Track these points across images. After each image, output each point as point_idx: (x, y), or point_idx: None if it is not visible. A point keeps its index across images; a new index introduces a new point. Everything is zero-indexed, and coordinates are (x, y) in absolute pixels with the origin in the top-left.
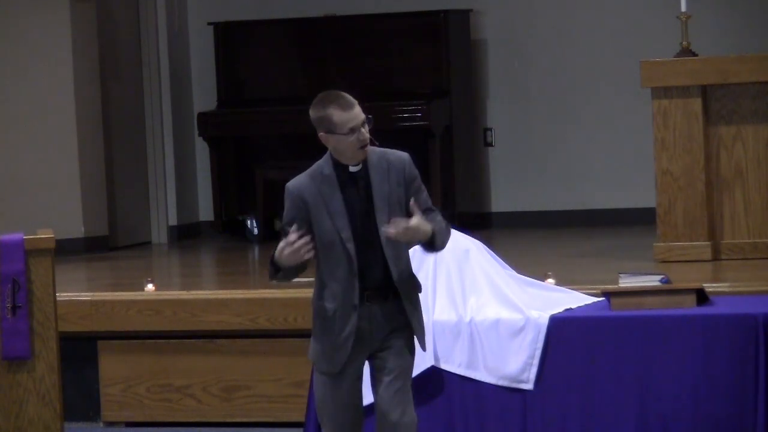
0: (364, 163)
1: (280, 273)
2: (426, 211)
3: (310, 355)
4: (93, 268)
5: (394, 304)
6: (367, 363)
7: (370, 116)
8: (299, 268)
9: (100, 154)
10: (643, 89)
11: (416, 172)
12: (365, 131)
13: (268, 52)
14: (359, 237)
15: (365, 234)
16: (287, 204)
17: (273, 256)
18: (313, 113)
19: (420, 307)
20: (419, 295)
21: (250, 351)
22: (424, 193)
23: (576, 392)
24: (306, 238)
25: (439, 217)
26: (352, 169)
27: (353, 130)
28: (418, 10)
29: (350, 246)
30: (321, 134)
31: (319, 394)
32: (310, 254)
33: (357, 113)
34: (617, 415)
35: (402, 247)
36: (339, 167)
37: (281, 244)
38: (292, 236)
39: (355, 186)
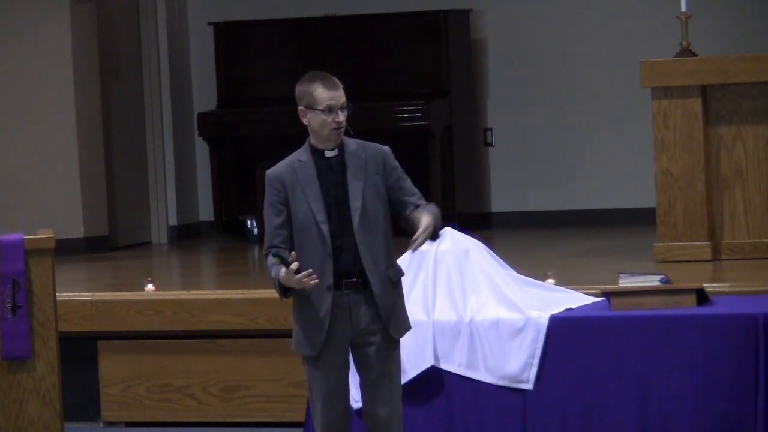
0: (342, 150)
1: (290, 291)
2: (412, 204)
3: (292, 345)
4: (93, 268)
5: (372, 292)
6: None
7: (350, 103)
8: None
9: (100, 154)
10: (643, 89)
11: (396, 163)
12: (342, 115)
13: (268, 52)
14: (334, 221)
15: (340, 219)
16: (267, 189)
17: (276, 279)
18: (298, 87)
19: (396, 297)
20: (400, 284)
21: (250, 351)
22: (408, 182)
23: (576, 392)
24: (309, 270)
25: (432, 207)
26: (328, 154)
27: (330, 109)
28: (418, 10)
29: (324, 228)
30: (300, 109)
31: (309, 385)
32: (317, 281)
33: (338, 95)
34: (617, 415)
35: (376, 235)
36: (316, 153)
37: (283, 273)
38: (294, 266)
39: (331, 171)
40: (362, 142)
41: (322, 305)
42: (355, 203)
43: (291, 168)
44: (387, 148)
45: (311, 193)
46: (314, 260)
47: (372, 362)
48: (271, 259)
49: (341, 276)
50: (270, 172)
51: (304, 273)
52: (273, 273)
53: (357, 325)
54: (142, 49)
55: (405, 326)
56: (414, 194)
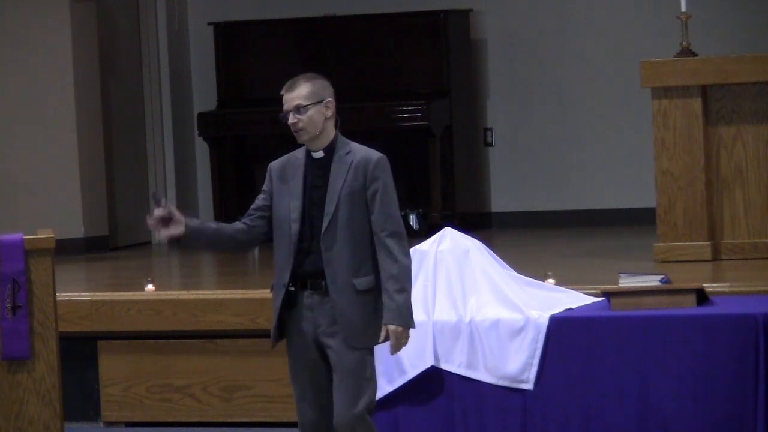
0: (330, 152)
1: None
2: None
3: None
4: (93, 268)
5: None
6: None
7: (303, 105)
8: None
9: (100, 154)
10: (642, 89)
11: (381, 175)
12: (294, 117)
13: (268, 52)
14: (307, 222)
15: (313, 221)
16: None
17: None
18: None
19: (361, 307)
20: (370, 294)
21: (250, 351)
22: (384, 204)
23: (576, 392)
24: (156, 214)
25: (393, 270)
26: (314, 155)
27: (285, 112)
28: (418, 10)
29: (294, 227)
30: None
31: None
32: (167, 232)
33: (289, 97)
34: (617, 415)
35: (344, 241)
36: (308, 152)
37: (156, 212)
38: (157, 212)
39: (315, 172)
40: (357, 145)
41: (277, 301)
42: (329, 208)
43: (285, 163)
44: (377, 157)
45: (293, 191)
46: (282, 256)
47: (334, 364)
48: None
49: (308, 275)
50: (270, 163)
51: (152, 221)
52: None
53: (317, 326)
54: (142, 49)
55: (369, 339)
56: (384, 230)
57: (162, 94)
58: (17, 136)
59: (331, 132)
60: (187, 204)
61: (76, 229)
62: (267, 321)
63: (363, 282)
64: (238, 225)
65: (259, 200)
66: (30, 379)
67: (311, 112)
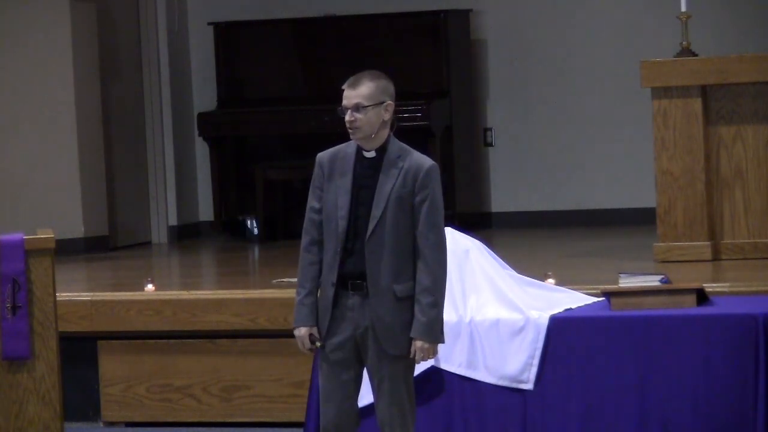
0: (381, 154)
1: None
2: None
3: None
4: (93, 268)
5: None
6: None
7: (364, 105)
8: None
9: (100, 154)
10: (642, 89)
11: (431, 184)
12: (351, 115)
13: (268, 52)
14: (353, 221)
15: (358, 221)
16: (314, 170)
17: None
18: None
19: (399, 313)
20: (407, 302)
21: (250, 351)
22: (431, 214)
23: (576, 392)
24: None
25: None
26: (366, 154)
27: (344, 107)
28: (418, 10)
29: (342, 224)
30: None
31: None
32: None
33: (349, 94)
34: (617, 415)
35: (389, 246)
36: (360, 150)
37: (300, 332)
38: (308, 343)
39: (366, 172)
40: (409, 149)
41: (325, 300)
42: (376, 211)
43: (335, 157)
44: (429, 165)
45: (342, 187)
46: (329, 253)
47: (373, 366)
48: (304, 257)
49: (349, 276)
50: (319, 154)
51: (308, 345)
52: (297, 300)
53: (358, 328)
54: (142, 49)
55: (406, 344)
56: (427, 239)
57: (162, 94)
58: (17, 136)
59: (384, 133)
60: (187, 204)
61: (76, 229)
62: (267, 321)
63: (403, 289)
64: (313, 259)
65: (315, 202)
66: (30, 379)
67: (370, 113)
